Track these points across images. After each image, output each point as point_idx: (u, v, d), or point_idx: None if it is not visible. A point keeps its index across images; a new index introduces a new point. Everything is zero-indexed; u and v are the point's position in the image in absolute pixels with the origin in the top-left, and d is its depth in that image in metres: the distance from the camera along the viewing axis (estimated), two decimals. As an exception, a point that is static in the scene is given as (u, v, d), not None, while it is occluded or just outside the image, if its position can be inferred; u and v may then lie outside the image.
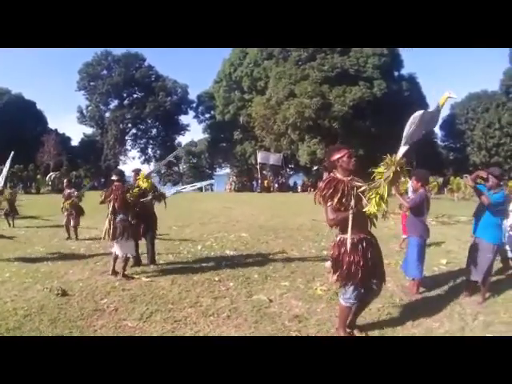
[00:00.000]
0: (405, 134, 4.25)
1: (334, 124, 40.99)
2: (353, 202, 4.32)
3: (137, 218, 8.15)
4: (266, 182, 46.24)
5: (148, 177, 8.31)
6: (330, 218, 4.45)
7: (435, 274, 7.77)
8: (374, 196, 4.14)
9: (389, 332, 4.99)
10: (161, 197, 8.63)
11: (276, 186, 46.70)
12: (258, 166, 46.16)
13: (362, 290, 4.63)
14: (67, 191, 12.58)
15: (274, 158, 45.66)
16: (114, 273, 7.66)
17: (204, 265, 8.54)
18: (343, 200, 4.34)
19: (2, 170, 10.68)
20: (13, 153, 10.30)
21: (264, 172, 50.25)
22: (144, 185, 8.10)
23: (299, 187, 47.61)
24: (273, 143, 47.38)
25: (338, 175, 4.51)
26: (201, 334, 4.93)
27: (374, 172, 4.23)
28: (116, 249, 7.64)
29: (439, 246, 10.58)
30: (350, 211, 4.33)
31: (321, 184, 4.59)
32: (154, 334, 4.97)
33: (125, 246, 7.57)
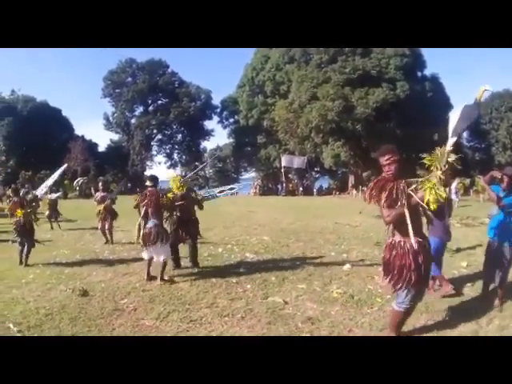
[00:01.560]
0: (450, 126, 4.29)
1: (358, 126, 40.79)
2: (404, 200, 4.26)
3: (178, 222, 8.37)
4: (290, 185, 46.37)
5: (183, 183, 8.47)
6: (384, 215, 4.42)
7: (454, 277, 7.67)
8: (427, 185, 4.12)
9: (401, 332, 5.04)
10: (201, 202, 8.85)
11: (301, 189, 46.73)
12: (283, 170, 46.26)
13: (417, 295, 4.60)
14: (101, 194, 12.58)
15: (298, 162, 45.71)
16: (150, 278, 7.71)
17: (223, 267, 8.68)
18: (392, 198, 4.30)
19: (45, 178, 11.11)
20: (66, 165, 10.71)
21: (289, 175, 50.37)
22: (178, 191, 8.26)
23: (315, 190, 47.79)
24: (297, 146, 47.45)
25: (386, 175, 4.52)
26: (214, 334, 5.05)
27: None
28: (151, 254, 7.67)
29: (461, 248, 10.44)
30: (405, 207, 4.28)
31: (371, 184, 4.63)
32: (170, 334, 5.11)
33: (161, 251, 7.61)
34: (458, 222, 15.73)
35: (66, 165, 10.62)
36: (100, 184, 13.34)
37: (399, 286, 4.50)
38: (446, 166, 4.09)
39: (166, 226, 8.21)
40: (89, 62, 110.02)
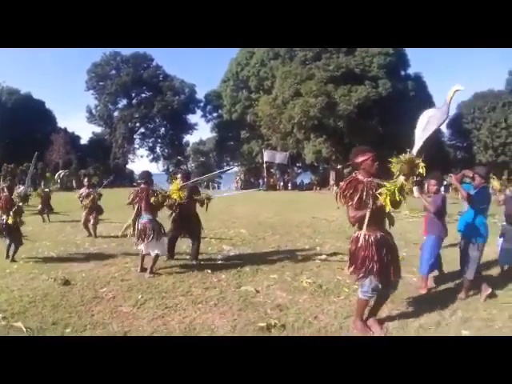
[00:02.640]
0: (417, 131, 4.58)
1: (339, 123, 41.18)
2: (371, 201, 4.57)
3: (178, 219, 8.51)
4: (271, 180, 46.63)
5: (182, 188, 8.39)
6: (351, 215, 4.77)
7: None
8: (388, 189, 4.38)
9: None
10: (206, 200, 8.82)
11: (282, 184, 47.10)
12: (265, 165, 46.53)
13: (379, 285, 4.88)
14: (86, 191, 12.66)
15: (279, 157, 45.93)
16: (143, 270, 7.85)
17: (200, 258, 8.92)
18: (363, 199, 4.59)
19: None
20: (36, 154, 10.81)
21: (272, 170, 50.69)
22: (174, 195, 8.25)
23: (290, 185, 48.08)
24: (279, 142, 47.72)
25: (360, 176, 4.79)
26: (188, 320, 5.37)
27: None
28: (146, 248, 7.78)
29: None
30: (368, 209, 4.60)
31: (342, 184, 4.89)
32: (145, 320, 5.42)
33: (156, 246, 7.73)
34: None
35: (36, 153, 10.62)
36: (85, 180, 13.60)
37: (362, 275, 4.85)
38: (411, 172, 4.39)
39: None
40: (74, 55, 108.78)
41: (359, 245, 4.83)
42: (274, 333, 4.97)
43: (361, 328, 5.08)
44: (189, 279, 7.30)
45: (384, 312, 5.62)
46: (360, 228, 4.86)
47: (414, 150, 4.50)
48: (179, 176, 8.90)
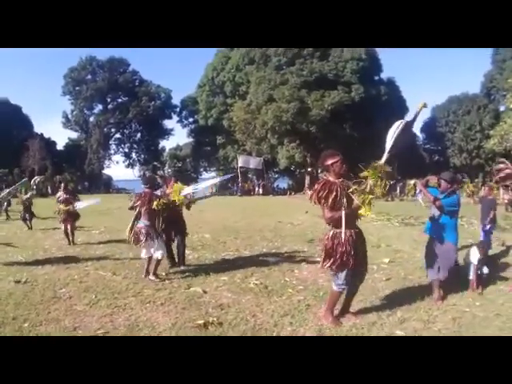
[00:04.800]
0: (388, 141, 5.09)
1: (312, 128, 41.93)
2: (345, 201, 5.00)
3: (166, 222, 8.55)
4: (245, 185, 47.09)
5: (188, 197, 8.50)
6: (327, 216, 5.18)
7: (373, 271, 7.98)
8: (366, 198, 4.88)
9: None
10: (191, 204, 8.86)
11: (257, 189, 47.58)
12: (239, 170, 46.93)
13: (352, 277, 5.38)
14: (64, 196, 12.36)
15: (254, 162, 46.41)
16: (148, 274, 7.92)
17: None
18: (337, 200, 4.98)
19: None
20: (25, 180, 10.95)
21: (249, 175, 51.17)
22: (178, 199, 8.22)
23: (257, 190, 48.45)
24: (254, 147, 48.40)
25: (331, 178, 5.19)
26: (133, 318, 5.79)
27: (356, 174, 5.06)
28: (149, 252, 7.90)
29: (390, 245, 11.31)
30: (343, 210, 5.02)
31: (316, 186, 5.24)
32: (95, 317, 5.84)
33: (155, 249, 7.86)
34: (398, 221, 16.76)
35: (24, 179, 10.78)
36: (62, 184, 13.40)
37: (338, 268, 5.27)
38: (379, 177, 4.91)
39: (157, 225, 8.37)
40: (51, 58, 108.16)
41: (338, 241, 5.21)
42: (211, 330, 5.35)
43: (332, 320, 5.49)
44: (142, 281, 7.70)
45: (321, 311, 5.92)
46: (335, 227, 5.24)
47: (383, 159, 5.04)
48: (172, 180, 9.01)
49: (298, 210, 22.29)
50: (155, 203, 7.85)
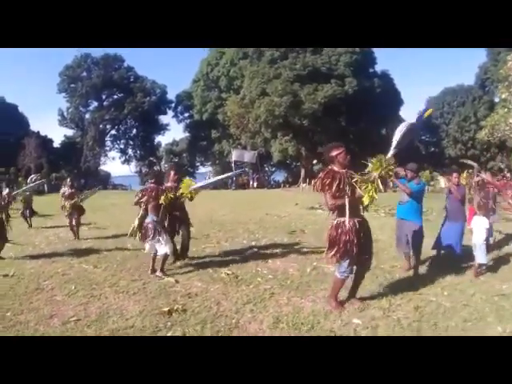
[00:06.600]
0: (394, 140, 5.40)
1: (305, 121, 42.23)
2: (348, 190, 5.26)
3: (170, 215, 8.41)
4: (240, 179, 47.40)
5: (195, 190, 8.01)
6: (330, 203, 5.42)
7: None
8: (370, 188, 5.10)
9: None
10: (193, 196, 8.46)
11: (251, 182, 47.93)
12: (233, 164, 47.22)
13: (355, 265, 5.65)
14: (69, 191, 12.58)
15: (248, 156, 46.90)
16: (154, 270, 7.89)
17: (139, 254, 9.47)
18: (340, 188, 5.24)
19: None
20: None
21: (246, 169, 51.51)
22: (188, 194, 7.88)
23: (252, 184, 48.81)
24: (248, 141, 48.84)
25: (335, 168, 5.49)
26: (105, 306, 6.21)
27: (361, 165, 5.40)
28: (150, 248, 7.95)
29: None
30: (347, 198, 5.29)
31: (321, 174, 5.51)
32: (71, 305, 6.27)
33: (161, 245, 7.80)
34: (384, 212, 16.90)
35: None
36: (68, 180, 13.51)
37: (342, 257, 5.47)
38: (384, 171, 5.21)
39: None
40: (47, 56, 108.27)
41: (341, 230, 5.42)
42: (175, 316, 5.69)
43: (335, 306, 5.72)
44: (120, 273, 8.10)
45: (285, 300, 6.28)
46: (339, 215, 5.49)
47: (389, 154, 5.35)
48: (172, 173, 8.73)
49: (288, 202, 22.60)
50: (163, 198, 7.76)
